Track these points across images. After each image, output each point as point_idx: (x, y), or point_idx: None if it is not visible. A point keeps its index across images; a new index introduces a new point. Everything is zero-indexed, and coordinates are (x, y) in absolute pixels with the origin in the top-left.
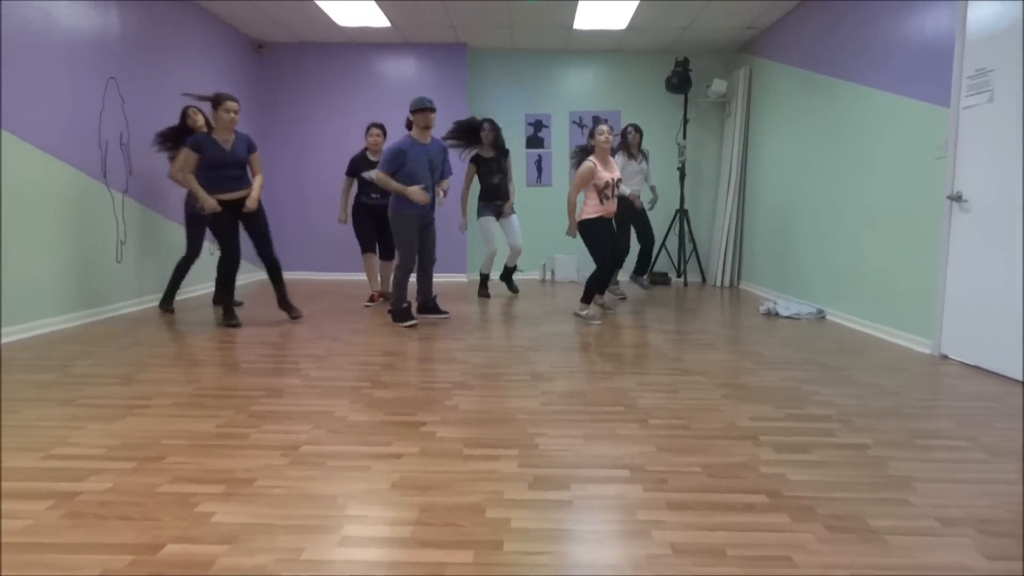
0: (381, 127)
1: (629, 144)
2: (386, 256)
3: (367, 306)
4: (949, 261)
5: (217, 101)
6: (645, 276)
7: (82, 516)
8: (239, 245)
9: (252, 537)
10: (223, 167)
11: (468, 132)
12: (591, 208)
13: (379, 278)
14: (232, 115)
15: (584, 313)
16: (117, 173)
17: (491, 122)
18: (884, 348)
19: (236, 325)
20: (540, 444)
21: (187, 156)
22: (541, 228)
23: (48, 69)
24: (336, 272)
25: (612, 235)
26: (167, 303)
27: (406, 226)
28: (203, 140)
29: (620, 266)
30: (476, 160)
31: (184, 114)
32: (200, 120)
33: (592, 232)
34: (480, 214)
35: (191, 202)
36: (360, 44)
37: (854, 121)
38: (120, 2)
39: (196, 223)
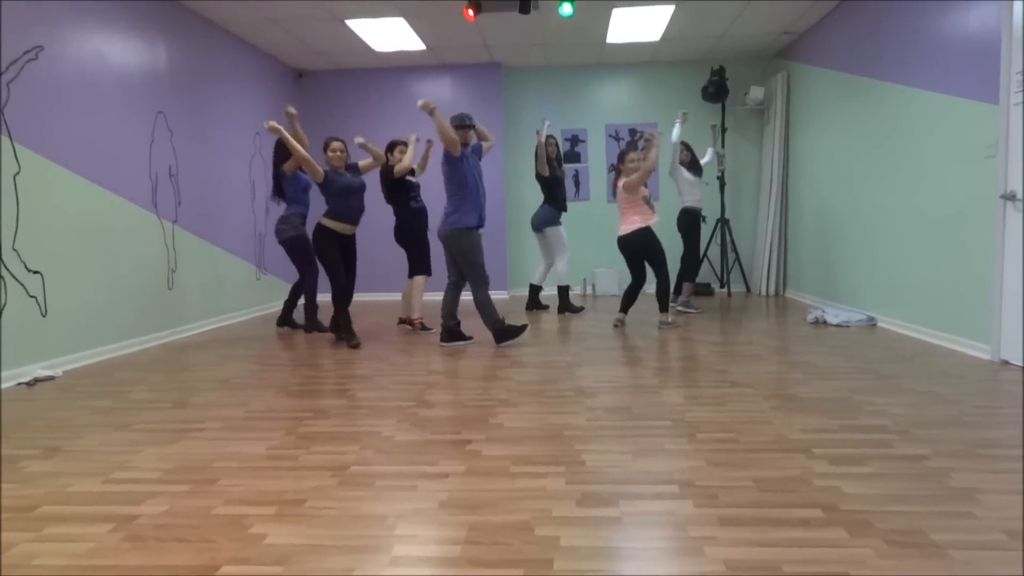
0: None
1: (681, 160)
2: (419, 271)
3: (426, 330)
4: (1005, 262)
5: (324, 144)
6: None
7: (141, 539)
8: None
9: (304, 558)
10: (351, 194)
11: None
12: (643, 216)
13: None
14: (338, 154)
15: (671, 320)
16: (167, 203)
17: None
18: (940, 355)
19: (357, 345)
20: (587, 460)
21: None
22: (581, 243)
23: (101, 107)
24: (378, 292)
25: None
26: (311, 323)
27: (477, 242)
28: (331, 173)
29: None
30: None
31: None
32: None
33: (656, 241)
34: (556, 222)
35: (287, 231)
36: (397, 68)
37: (899, 122)
38: (168, 39)
39: (296, 247)
